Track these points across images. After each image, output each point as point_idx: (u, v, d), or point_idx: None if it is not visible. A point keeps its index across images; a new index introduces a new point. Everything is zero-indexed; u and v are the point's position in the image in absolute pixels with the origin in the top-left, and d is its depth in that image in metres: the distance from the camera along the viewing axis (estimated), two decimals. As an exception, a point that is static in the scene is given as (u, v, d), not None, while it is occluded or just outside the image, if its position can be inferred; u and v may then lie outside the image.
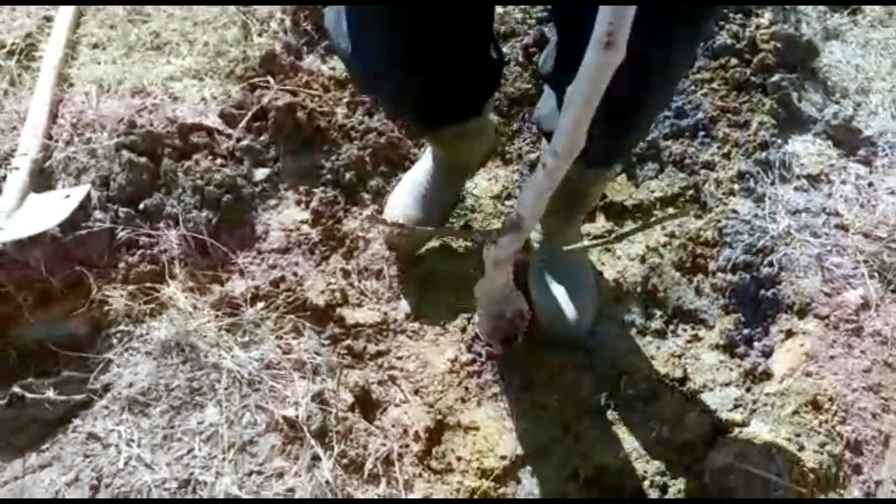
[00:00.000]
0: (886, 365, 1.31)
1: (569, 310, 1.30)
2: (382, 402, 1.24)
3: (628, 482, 1.18)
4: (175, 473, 1.06)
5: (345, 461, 1.11)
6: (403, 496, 1.12)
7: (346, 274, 1.36)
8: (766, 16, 1.78)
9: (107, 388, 1.14)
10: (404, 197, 1.40)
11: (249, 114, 1.44)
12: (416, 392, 1.26)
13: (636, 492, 1.17)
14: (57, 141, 1.35)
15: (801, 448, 1.20)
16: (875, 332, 1.33)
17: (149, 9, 1.62)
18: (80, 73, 1.47)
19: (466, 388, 1.28)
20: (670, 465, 1.20)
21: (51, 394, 1.10)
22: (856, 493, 1.18)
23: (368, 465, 1.12)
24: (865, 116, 1.68)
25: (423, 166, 1.41)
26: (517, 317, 1.21)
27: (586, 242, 1.36)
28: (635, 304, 1.39)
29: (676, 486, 1.18)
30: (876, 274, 1.40)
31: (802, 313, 1.38)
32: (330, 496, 1.08)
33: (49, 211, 1.22)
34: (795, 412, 1.24)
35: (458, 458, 1.20)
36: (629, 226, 1.48)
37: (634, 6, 0.56)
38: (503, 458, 1.20)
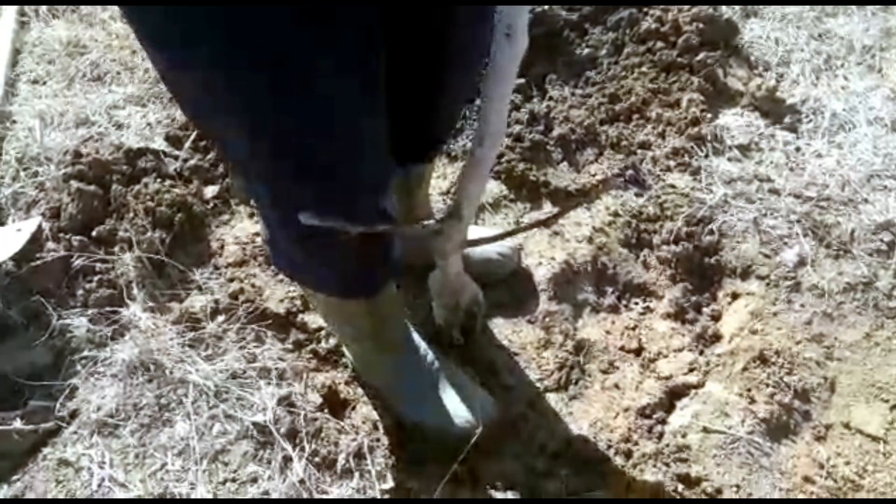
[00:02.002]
0: (826, 315, 1.38)
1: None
2: (351, 401, 1.27)
3: (594, 451, 1.22)
4: (149, 489, 1.08)
5: (317, 459, 1.14)
6: (377, 487, 1.15)
7: (305, 281, 1.39)
8: (687, -1, 1.86)
9: (74, 413, 1.15)
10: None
11: (194, 134, 1.47)
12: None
13: (602, 460, 1.22)
14: (3, 177, 1.36)
15: (753, 401, 1.26)
16: (813, 286, 1.41)
17: (86, 41, 1.63)
18: (21, 109, 1.48)
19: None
20: (632, 430, 1.25)
21: (18, 424, 1.11)
22: (808, 437, 1.25)
23: (340, 461, 1.15)
24: (788, 86, 1.77)
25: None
26: (473, 304, 1.25)
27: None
28: (587, 284, 1.45)
29: (640, 451, 1.23)
30: (809, 232, 1.48)
31: (745, 275, 1.45)
32: (305, 495, 1.10)
33: (0, 246, 1.23)
34: (745, 368, 1.31)
35: (429, 446, 1.24)
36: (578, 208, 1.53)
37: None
38: (472, 440, 1.23)
